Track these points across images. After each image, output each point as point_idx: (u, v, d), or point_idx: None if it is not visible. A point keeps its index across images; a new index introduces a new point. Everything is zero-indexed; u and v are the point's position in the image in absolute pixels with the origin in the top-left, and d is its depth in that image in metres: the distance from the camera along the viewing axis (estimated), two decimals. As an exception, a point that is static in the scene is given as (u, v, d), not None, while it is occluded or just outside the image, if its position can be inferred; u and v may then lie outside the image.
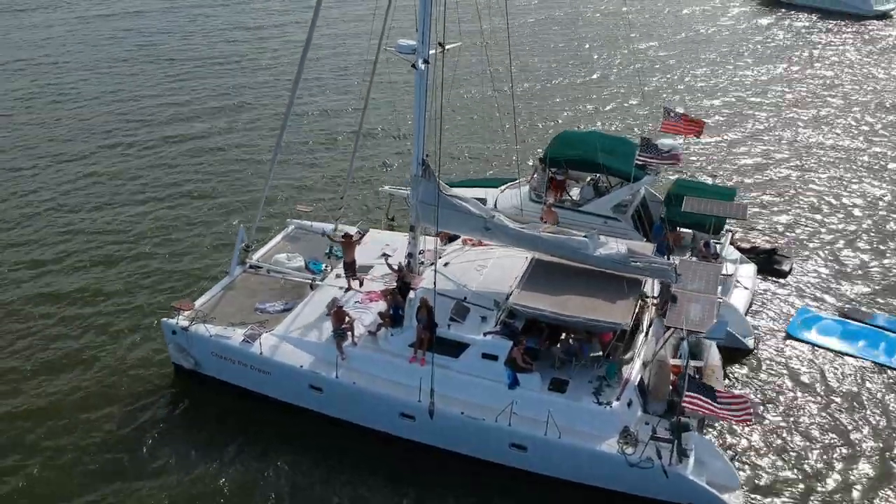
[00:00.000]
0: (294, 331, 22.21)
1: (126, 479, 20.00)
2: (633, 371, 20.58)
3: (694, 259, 24.88)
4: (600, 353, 20.71)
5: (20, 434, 21.17)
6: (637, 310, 20.79)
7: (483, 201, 28.09)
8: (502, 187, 28.96)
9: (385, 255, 24.67)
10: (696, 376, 21.07)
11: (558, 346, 20.72)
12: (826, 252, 29.94)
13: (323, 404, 21.38)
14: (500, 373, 20.08)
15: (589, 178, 27.97)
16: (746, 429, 21.51)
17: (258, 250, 26.00)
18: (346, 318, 21.54)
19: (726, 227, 28.52)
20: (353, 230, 25.23)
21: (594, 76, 48.82)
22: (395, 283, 22.27)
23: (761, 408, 22.19)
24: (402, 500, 19.60)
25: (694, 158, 37.45)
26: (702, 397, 17.57)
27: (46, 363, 23.69)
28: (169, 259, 29.02)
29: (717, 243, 26.66)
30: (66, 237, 30.22)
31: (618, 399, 19.69)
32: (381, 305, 22.38)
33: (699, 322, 19.82)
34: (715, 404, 17.55)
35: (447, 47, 21.59)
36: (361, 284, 23.61)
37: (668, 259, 24.98)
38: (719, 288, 25.11)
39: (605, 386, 20.04)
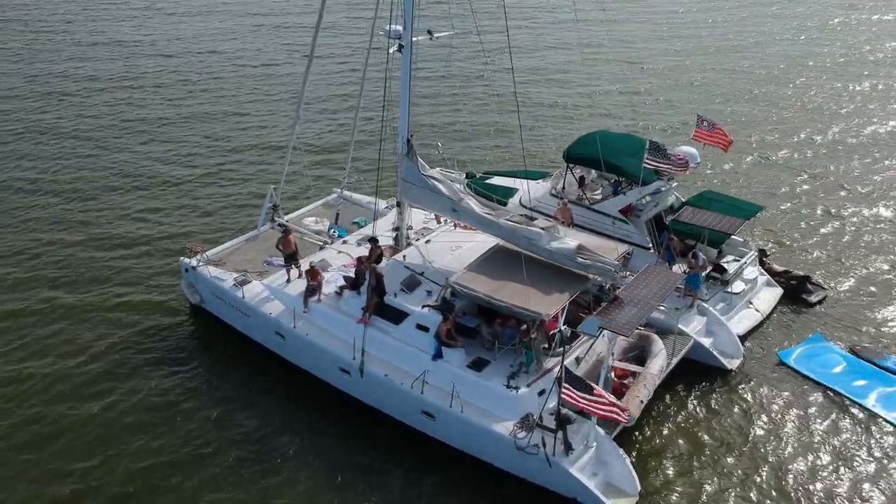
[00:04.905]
0: (279, 282, 24.53)
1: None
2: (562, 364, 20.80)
3: (684, 268, 24.40)
4: (544, 342, 21.14)
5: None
6: (566, 305, 20.93)
7: (514, 191, 29.07)
8: (539, 180, 29.50)
9: (395, 230, 26.39)
10: (629, 379, 21.08)
11: (486, 327, 21.40)
12: (867, 290, 27.68)
13: (284, 350, 23.55)
14: (428, 344, 21.19)
15: (614, 179, 27.87)
16: (667, 447, 21.14)
17: (295, 212, 28.60)
18: (318, 277, 23.55)
19: (758, 246, 27.39)
20: (284, 220, 27.08)
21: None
22: (368, 253, 23.91)
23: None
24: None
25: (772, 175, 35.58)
26: (576, 391, 17.72)
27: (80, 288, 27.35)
28: (217, 214, 32.38)
29: (734, 259, 25.72)
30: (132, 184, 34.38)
31: (528, 386, 20.13)
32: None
33: (622, 325, 19.71)
34: (588, 398, 17.62)
35: (436, 36, 22.86)
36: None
37: (673, 267, 24.71)
38: (710, 302, 24.57)
39: (522, 372, 20.54)
